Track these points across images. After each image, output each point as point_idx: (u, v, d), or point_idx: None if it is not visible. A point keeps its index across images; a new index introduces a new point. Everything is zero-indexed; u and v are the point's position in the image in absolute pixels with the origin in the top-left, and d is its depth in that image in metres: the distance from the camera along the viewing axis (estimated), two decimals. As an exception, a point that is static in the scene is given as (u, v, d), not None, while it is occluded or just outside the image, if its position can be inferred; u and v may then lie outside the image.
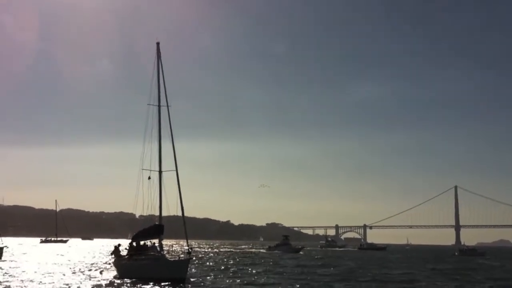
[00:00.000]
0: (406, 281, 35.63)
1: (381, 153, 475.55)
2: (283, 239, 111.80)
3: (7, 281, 30.55)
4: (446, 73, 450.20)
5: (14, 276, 33.89)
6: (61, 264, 48.10)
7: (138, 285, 29.15)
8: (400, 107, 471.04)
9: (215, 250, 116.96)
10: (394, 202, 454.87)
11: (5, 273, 36.68)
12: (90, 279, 33.36)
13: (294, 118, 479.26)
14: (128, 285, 29.57)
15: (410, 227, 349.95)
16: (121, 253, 37.74)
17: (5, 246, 55.57)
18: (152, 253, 35.36)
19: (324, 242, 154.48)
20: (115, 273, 36.73)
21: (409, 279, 37.68)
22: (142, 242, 36.48)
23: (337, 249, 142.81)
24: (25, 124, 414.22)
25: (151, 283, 29.54)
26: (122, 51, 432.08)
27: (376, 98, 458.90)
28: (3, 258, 52.82)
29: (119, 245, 39.24)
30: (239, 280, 33.88)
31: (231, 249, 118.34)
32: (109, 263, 47.15)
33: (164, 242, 36.89)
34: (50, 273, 37.72)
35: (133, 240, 37.23)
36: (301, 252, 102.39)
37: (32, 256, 63.94)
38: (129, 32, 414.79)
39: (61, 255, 69.86)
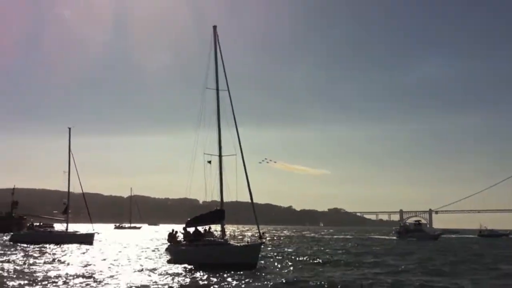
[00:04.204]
0: None
1: (446, 136, 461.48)
2: (415, 225, 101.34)
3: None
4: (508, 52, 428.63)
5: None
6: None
7: (208, 271, 27.80)
8: (467, 87, 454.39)
9: (313, 234, 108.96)
10: (460, 187, 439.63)
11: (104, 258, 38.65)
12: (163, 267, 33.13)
13: (357, 101, 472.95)
14: (201, 271, 28.31)
15: (478, 211, 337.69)
16: (178, 239, 36.58)
17: (96, 232, 58.19)
18: (212, 238, 34.12)
19: (397, 228, 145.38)
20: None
21: None
22: (201, 228, 35.24)
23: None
24: (91, 114, 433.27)
25: (223, 269, 28.02)
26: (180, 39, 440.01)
27: (442, 79, 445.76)
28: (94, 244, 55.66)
29: (175, 231, 37.86)
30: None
31: (344, 236, 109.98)
32: (156, 249, 46.97)
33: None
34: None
35: (187, 225, 35.53)
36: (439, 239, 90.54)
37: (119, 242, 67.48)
38: (185, 18, 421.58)
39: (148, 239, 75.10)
